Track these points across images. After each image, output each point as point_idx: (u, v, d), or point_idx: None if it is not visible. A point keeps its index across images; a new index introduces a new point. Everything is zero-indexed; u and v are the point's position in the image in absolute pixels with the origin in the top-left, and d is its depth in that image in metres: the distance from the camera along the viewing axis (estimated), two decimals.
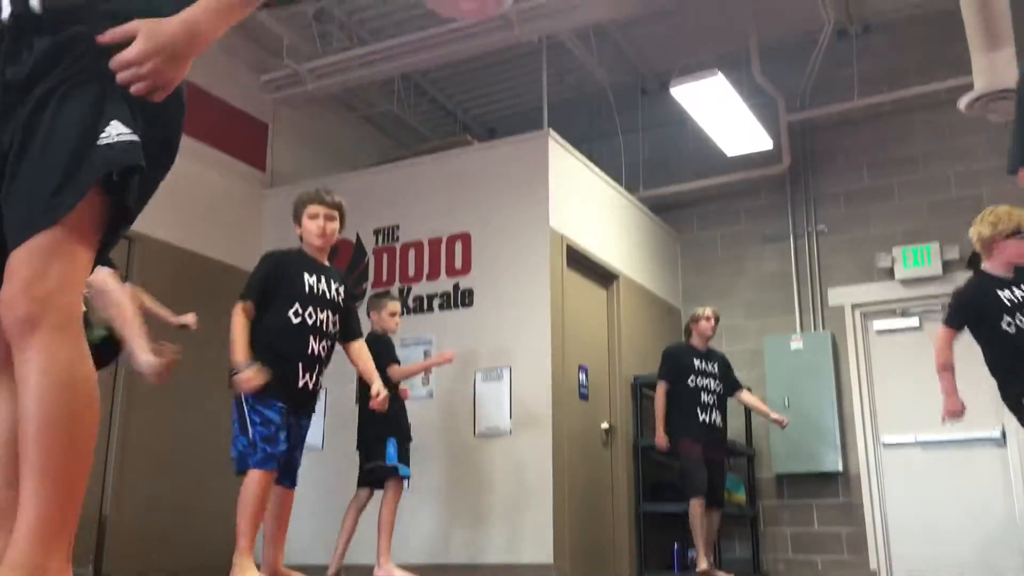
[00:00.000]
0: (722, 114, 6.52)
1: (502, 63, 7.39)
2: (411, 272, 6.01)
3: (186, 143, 5.75)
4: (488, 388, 5.56)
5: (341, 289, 3.99)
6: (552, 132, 5.91)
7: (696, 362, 5.82)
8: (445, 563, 5.31)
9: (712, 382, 5.84)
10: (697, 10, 6.63)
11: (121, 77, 1.34)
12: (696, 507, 5.54)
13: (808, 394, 6.67)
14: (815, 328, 6.96)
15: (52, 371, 1.26)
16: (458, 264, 5.84)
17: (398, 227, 6.14)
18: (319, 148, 7.27)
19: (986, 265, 4.23)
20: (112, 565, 5.12)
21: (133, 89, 1.35)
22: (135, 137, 1.35)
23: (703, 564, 5.45)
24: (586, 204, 6.26)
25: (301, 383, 3.76)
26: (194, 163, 6.03)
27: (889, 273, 6.77)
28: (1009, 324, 4.09)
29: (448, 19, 5.92)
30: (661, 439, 5.71)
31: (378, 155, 7.43)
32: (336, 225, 3.96)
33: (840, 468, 6.55)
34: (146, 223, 5.54)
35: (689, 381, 5.75)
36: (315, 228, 3.90)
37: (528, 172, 5.81)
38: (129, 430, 5.35)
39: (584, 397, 5.95)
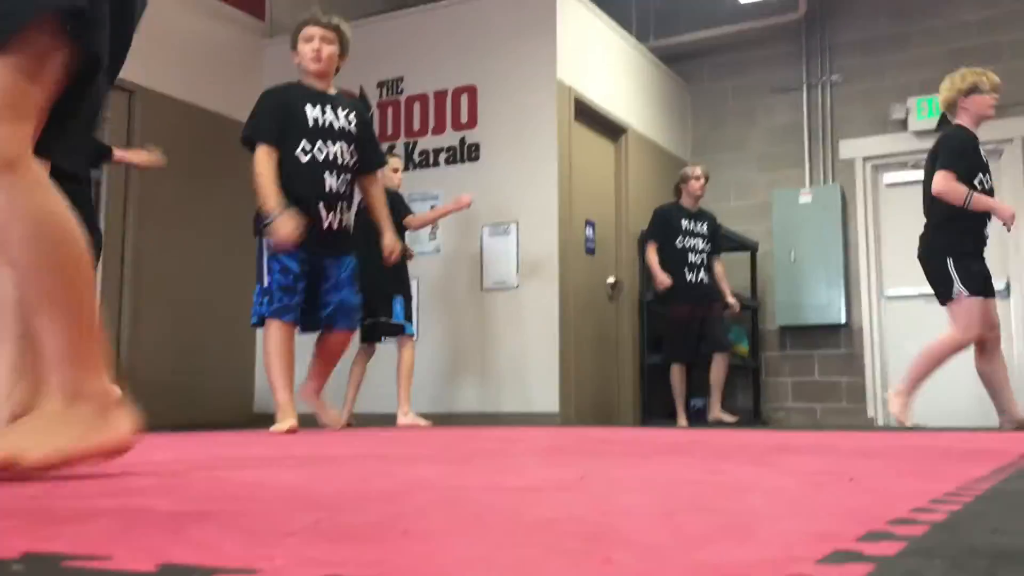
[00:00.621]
0: None
1: None
2: (416, 126, 5.92)
3: None
4: (495, 243, 5.57)
5: (352, 116, 3.72)
6: None
7: (684, 223, 5.83)
8: (455, 412, 5.47)
9: (700, 242, 5.86)
10: None
11: None
12: (675, 371, 5.76)
13: (814, 247, 6.68)
14: (825, 182, 6.90)
15: (15, 216, 1.26)
16: (464, 118, 5.75)
17: (402, 79, 6.01)
18: None
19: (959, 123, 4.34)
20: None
21: None
22: None
23: (682, 420, 5.70)
24: (595, 55, 6.09)
25: (325, 224, 3.57)
26: (192, 13, 5.85)
27: (902, 124, 6.65)
28: (980, 183, 4.21)
29: None
30: (662, 277, 5.69)
31: (382, 3, 7.18)
32: (334, 49, 3.65)
33: (843, 320, 6.64)
34: (144, 75, 5.44)
35: (676, 242, 5.79)
36: (309, 51, 3.62)
37: (536, 22, 5.63)
38: (142, 277, 5.41)
39: (591, 252, 5.97)
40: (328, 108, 3.64)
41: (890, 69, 6.77)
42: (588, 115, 5.94)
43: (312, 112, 3.60)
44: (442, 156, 5.79)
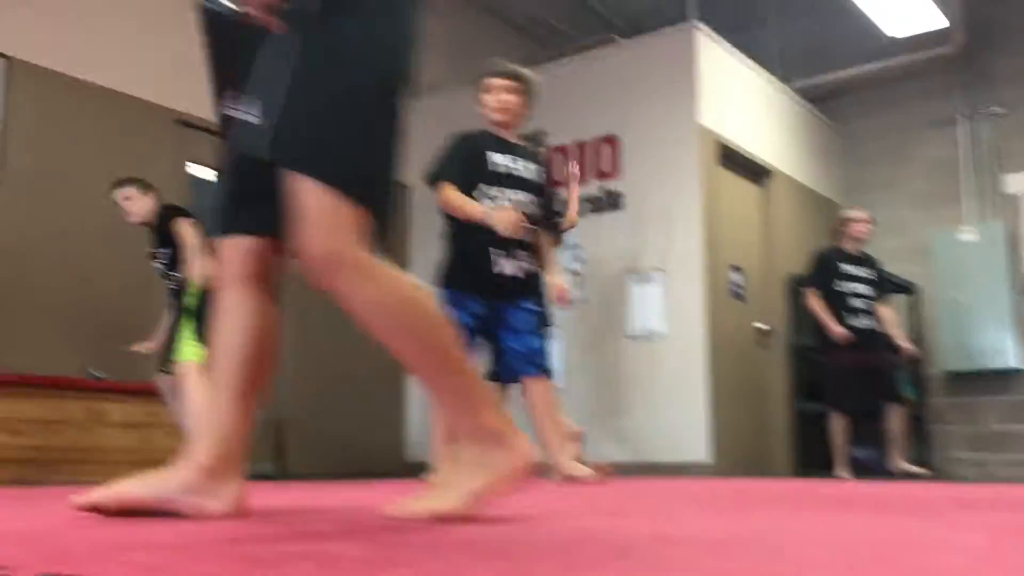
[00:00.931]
0: None
1: None
2: (559, 177, 5.99)
3: None
4: (640, 291, 5.54)
5: (535, 168, 3.67)
6: (698, 23, 5.68)
7: (846, 267, 5.44)
8: (605, 461, 5.41)
9: (863, 287, 5.43)
10: None
11: None
12: (836, 421, 5.32)
13: (980, 288, 6.32)
14: (986, 218, 6.55)
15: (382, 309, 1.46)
16: (606, 167, 5.78)
17: (544, 131, 6.10)
18: (460, 54, 7.26)
19: None
20: (293, 465, 5.50)
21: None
22: None
23: (843, 471, 5.32)
24: (736, 98, 6.03)
25: (496, 270, 3.46)
26: None
27: None
28: None
29: None
30: (834, 326, 5.30)
31: (521, 58, 7.35)
32: (515, 99, 3.61)
33: (1017, 364, 6.23)
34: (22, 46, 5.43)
35: (837, 286, 5.39)
36: (492, 101, 3.60)
37: (675, 67, 5.63)
38: (299, 328, 5.65)
39: (738, 297, 5.85)
40: (512, 157, 3.61)
41: None
42: (732, 159, 5.86)
43: (494, 157, 3.57)
44: (585, 205, 5.83)
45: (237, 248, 1.55)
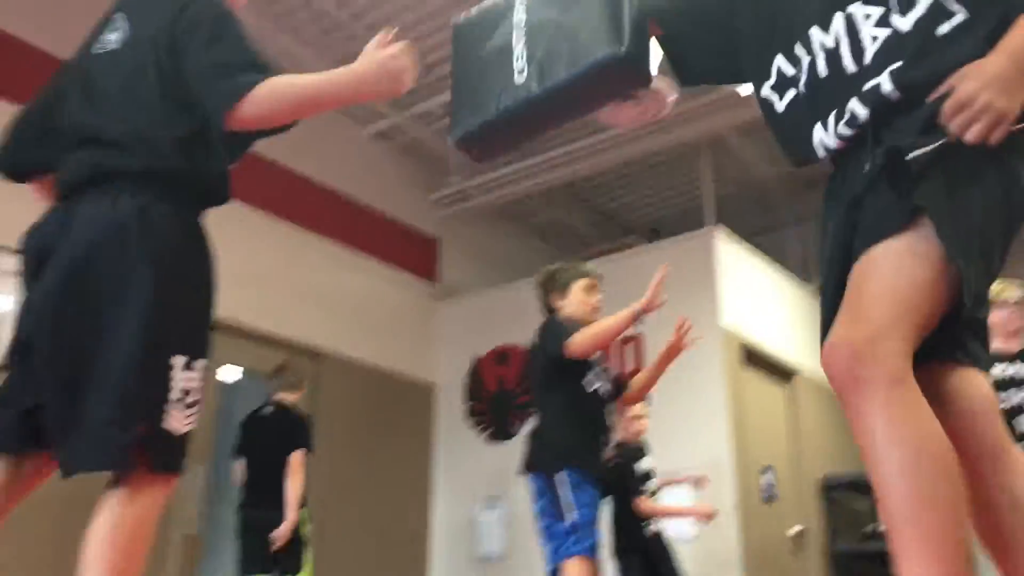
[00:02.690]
0: None
1: (662, 164, 7.44)
2: None
3: (361, 261, 6.06)
4: (668, 494, 5.39)
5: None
6: (719, 227, 5.85)
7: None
8: None
9: None
10: None
11: (956, 123, 1.28)
12: None
13: None
14: None
15: (894, 439, 1.23)
16: (630, 367, 5.79)
17: None
18: (486, 259, 7.48)
19: None
20: None
21: (968, 135, 1.27)
22: None
23: None
24: (759, 299, 6.11)
25: (605, 457, 3.47)
26: (370, 279, 6.32)
27: None
28: None
29: (608, 126, 6.03)
30: None
31: (543, 263, 7.55)
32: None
33: None
34: (327, 339, 5.83)
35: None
36: (595, 301, 3.75)
37: (697, 270, 5.75)
38: (324, 531, 5.50)
39: (769, 500, 5.68)
40: None
41: None
42: (756, 360, 5.87)
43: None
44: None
45: None
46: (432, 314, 6.72)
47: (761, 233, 7.28)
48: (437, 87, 6.18)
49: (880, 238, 1.33)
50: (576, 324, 3.51)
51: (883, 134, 1.38)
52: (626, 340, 5.86)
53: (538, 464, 3.33)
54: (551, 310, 3.74)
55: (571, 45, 1.66)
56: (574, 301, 3.69)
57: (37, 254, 1.70)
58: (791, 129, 1.55)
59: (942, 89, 1.31)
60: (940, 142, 1.29)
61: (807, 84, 1.49)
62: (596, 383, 3.51)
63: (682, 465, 5.40)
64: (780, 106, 1.55)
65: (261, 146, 1.99)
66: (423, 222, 6.97)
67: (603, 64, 1.63)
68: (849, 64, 1.42)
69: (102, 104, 1.76)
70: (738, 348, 5.64)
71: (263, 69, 1.69)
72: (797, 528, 5.85)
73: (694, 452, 5.37)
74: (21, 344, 1.67)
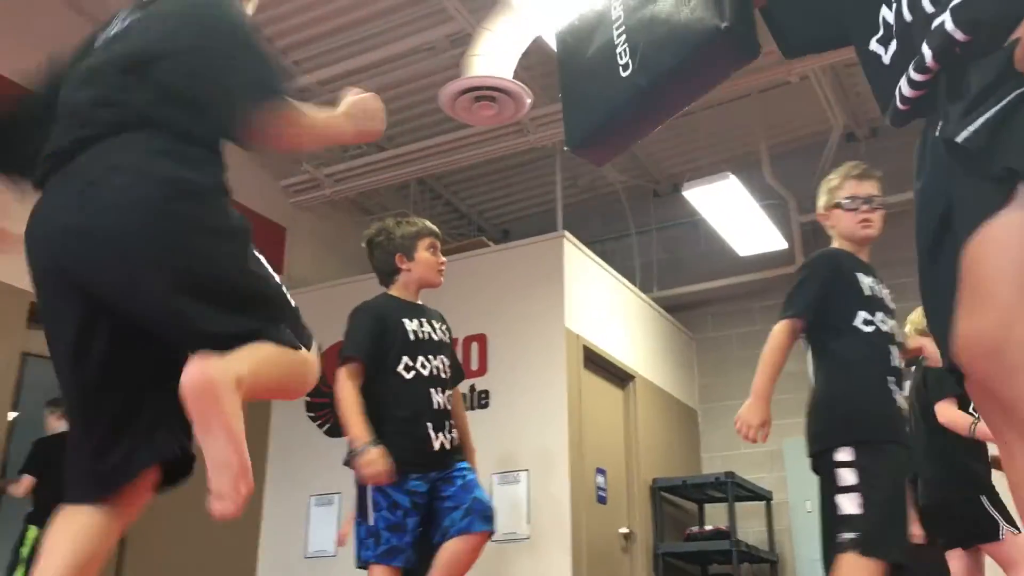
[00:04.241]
0: (735, 215, 6.58)
1: (516, 167, 7.53)
2: None
3: None
4: (505, 492, 5.47)
5: (446, 329, 3.48)
6: (567, 234, 5.97)
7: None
8: None
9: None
10: (708, 115, 6.77)
11: None
12: None
13: None
14: None
15: None
16: (474, 365, 5.83)
17: None
18: (335, 251, 7.35)
19: None
20: None
21: None
22: None
23: None
24: (601, 305, 6.28)
25: (437, 445, 3.19)
26: None
27: None
28: None
29: (465, 125, 6.05)
30: None
31: None
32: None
33: None
34: None
35: None
36: (437, 263, 3.44)
37: (544, 273, 5.85)
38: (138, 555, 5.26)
39: (602, 501, 5.84)
40: (424, 320, 3.36)
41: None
42: (597, 363, 6.02)
43: (411, 325, 3.31)
44: None
45: None
46: None
47: (607, 240, 7.49)
48: (291, 72, 6.04)
49: (982, 217, 1.19)
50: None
51: (953, 84, 1.27)
52: (472, 338, 5.90)
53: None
54: (393, 272, 3.43)
55: (670, 29, 1.61)
56: (422, 262, 3.42)
57: None
58: (891, 83, 1.45)
59: (1018, 32, 1.17)
60: (998, 106, 1.17)
61: (898, 33, 1.40)
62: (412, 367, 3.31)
63: (520, 461, 5.48)
64: (886, 58, 1.45)
65: None
66: (270, 209, 6.78)
67: (707, 42, 1.57)
68: (927, 3, 1.31)
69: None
70: (580, 350, 5.78)
71: (284, 91, 1.74)
72: (624, 530, 6.04)
73: (532, 449, 5.46)
74: None
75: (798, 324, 3.01)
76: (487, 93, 5.11)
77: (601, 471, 5.88)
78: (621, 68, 1.70)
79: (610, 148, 1.95)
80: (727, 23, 1.54)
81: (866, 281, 2.98)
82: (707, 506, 6.82)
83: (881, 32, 1.45)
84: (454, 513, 3.18)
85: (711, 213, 6.56)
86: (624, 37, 1.71)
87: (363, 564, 3.14)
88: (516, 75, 5.13)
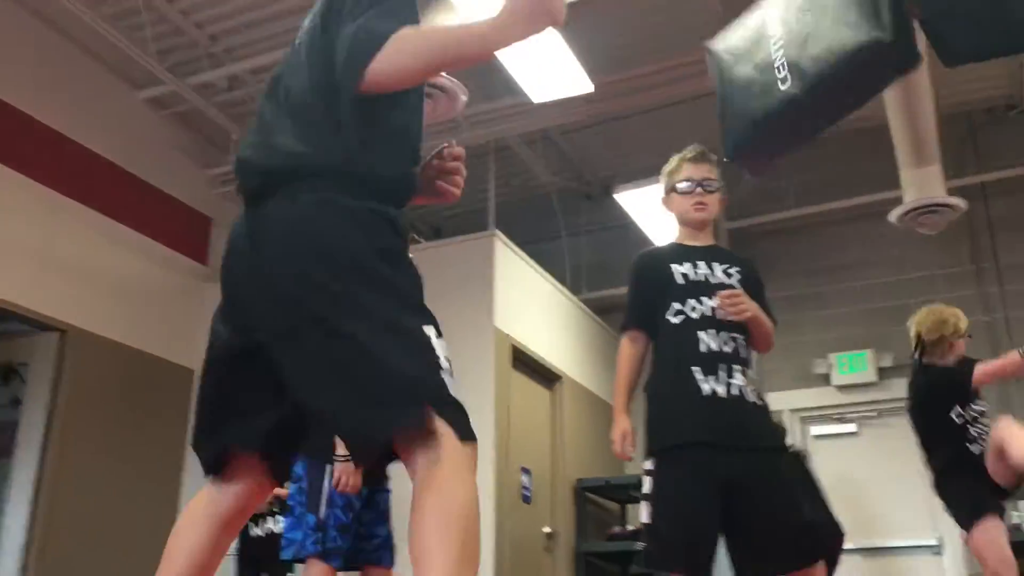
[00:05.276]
0: (664, 219, 6.65)
1: None
2: None
3: (123, 233, 5.68)
4: None
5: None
6: (498, 233, 5.97)
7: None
8: None
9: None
10: (640, 121, 6.83)
11: None
12: None
13: None
14: None
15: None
16: None
17: None
18: None
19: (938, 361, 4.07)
20: None
21: None
22: None
23: None
24: (531, 305, 6.29)
25: None
26: (132, 254, 5.93)
27: (825, 379, 6.88)
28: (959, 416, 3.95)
29: None
30: None
31: None
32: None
33: None
34: (81, 316, 5.41)
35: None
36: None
37: (474, 272, 5.84)
38: (59, 521, 5.09)
39: (527, 500, 5.85)
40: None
41: (810, 325, 7.09)
42: (525, 362, 6.04)
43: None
44: None
45: None
46: (198, 297, 6.40)
47: (537, 241, 7.50)
48: (221, 58, 5.92)
49: None
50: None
51: None
52: None
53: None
54: None
55: (830, 43, 1.65)
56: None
57: None
58: None
59: None
60: None
61: None
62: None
63: None
64: None
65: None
66: (196, 199, 6.62)
67: (867, 54, 1.61)
68: None
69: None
70: (509, 350, 5.78)
71: (396, 20, 1.51)
72: (547, 529, 6.07)
73: None
74: None
75: (633, 335, 2.97)
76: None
77: (526, 471, 5.90)
78: (779, 82, 1.76)
79: (764, 157, 2.01)
80: (887, 35, 1.59)
81: (681, 269, 2.86)
82: (630, 506, 6.89)
83: None
84: (373, 540, 3.31)
85: (641, 217, 6.63)
86: (782, 53, 1.77)
87: (299, 557, 3.14)
88: (451, 72, 5.11)
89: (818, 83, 1.69)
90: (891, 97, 4.85)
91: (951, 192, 5.62)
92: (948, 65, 1.75)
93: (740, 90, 1.88)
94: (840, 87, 1.71)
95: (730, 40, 1.97)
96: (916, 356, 4.20)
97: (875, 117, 5.27)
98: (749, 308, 2.78)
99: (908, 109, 5.01)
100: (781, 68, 1.76)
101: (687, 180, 2.97)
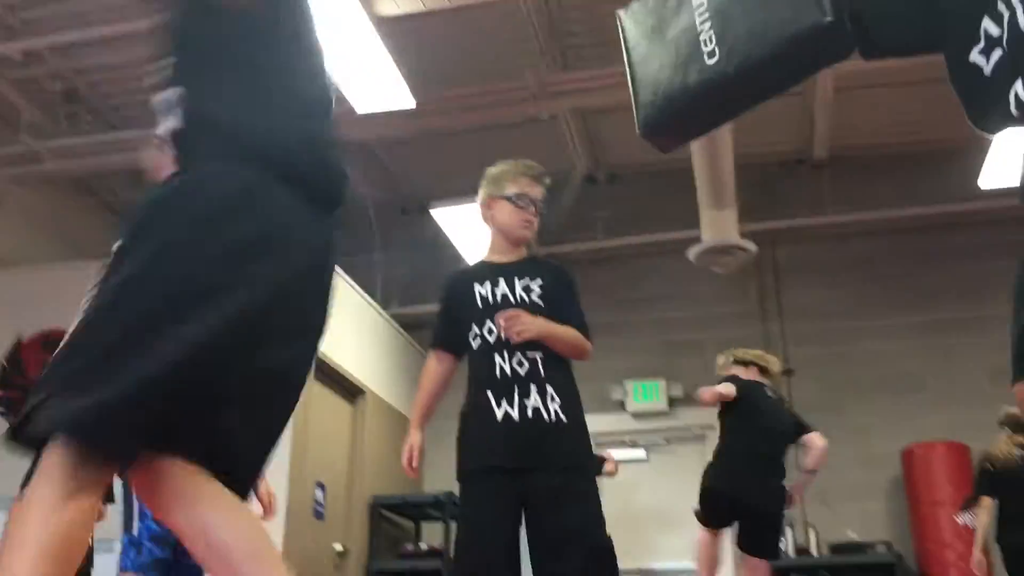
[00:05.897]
0: (479, 238, 6.71)
1: None
2: None
3: None
4: None
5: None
6: None
7: None
8: None
9: None
10: (462, 138, 6.89)
11: None
12: None
13: None
14: None
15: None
16: None
17: None
18: (50, 230, 6.73)
19: None
20: None
21: None
22: None
23: None
24: (338, 317, 6.15)
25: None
26: None
27: (621, 405, 7.15)
28: None
29: None
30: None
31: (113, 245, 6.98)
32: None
33: None
34: None
35: None
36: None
37: None
38: None
39: (319, 516, 5.72)
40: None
41: (609, 353, 7.35)
42: (328, 374, 5.91)
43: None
44: None
45: None
46: None
47: (350, 253, 7.38)
48: (16, 31, 5.49)
49: None
50: None
51: None
52: None
53: None
54: None
55: (766, 20, 1.56)
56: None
57: None
58: (996, 92, 1.44)
59: None
60: None
61: (1008, 41, 1.39)
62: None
63: None
64: (988, 69, 1.44)
65: None
66: None
67: (806, 36, 1.54)
68: None
69: None
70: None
71: None
72: (338, 546, 5.95)
73: None
74: None
75: (439, 354, 3.00)
76: None
77: (321, 486, 5.76)
78: (706, 55, 1.65)
79: (682, 135, 1.92)
80: (831, 18, 1.54)
81: (482, 291, 2.84)
82: (425, 525, 6.87)
83: (982, 44, 1.48)
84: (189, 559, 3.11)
85: (457, 235, 6.67)
86: (709, 24, 1.66)
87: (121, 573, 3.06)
88: None
89: (751, 62, 1.62)
90: (696, 143, 5.13)
91: (744, 236, 6.01)
92: (866, 58, 1.72)
93: (657, 61, 1.76)
94: (774, 68, 1.65)
95: (647, 3, 1.83)
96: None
97: (685, 159, 5.56)
98: (528, 328, 2.70)
99: (710, 154, 5.32)
100: (708, 41, 1.66)
101: (524, 196, 2.96)
